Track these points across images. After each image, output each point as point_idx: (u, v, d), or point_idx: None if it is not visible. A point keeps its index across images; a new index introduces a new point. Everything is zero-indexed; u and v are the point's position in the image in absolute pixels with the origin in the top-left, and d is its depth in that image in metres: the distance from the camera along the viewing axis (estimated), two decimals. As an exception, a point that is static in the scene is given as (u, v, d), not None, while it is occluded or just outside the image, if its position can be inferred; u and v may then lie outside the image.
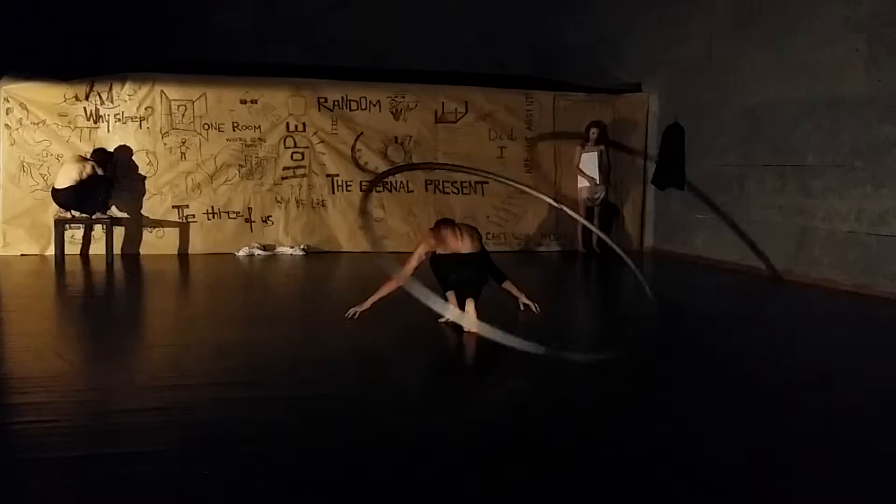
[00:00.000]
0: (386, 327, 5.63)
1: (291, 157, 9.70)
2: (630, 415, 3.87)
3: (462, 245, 5.47)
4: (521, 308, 5.87)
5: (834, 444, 3.46)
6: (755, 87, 8.62)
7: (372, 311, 5.73)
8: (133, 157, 9.28)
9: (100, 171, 8.77)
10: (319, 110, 9.74)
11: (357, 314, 5.60)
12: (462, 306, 5.38)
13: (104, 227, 8.87)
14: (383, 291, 5.56)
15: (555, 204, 7.14)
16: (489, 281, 5.71)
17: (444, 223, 5.69)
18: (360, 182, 9.82)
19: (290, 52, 11.04)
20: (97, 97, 9.19)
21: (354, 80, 9.91)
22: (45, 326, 5.78)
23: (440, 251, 5.48)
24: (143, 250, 9.31)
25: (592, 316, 7.06)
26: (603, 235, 6.85)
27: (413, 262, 5.49)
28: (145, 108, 9.30)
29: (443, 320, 5.52)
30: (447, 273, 5.46)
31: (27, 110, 9.01)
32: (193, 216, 9.45)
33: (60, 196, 8.61)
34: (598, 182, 9.96)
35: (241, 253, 9.39)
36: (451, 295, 5.51)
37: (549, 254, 10.16)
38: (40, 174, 9.03)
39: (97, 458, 3.08)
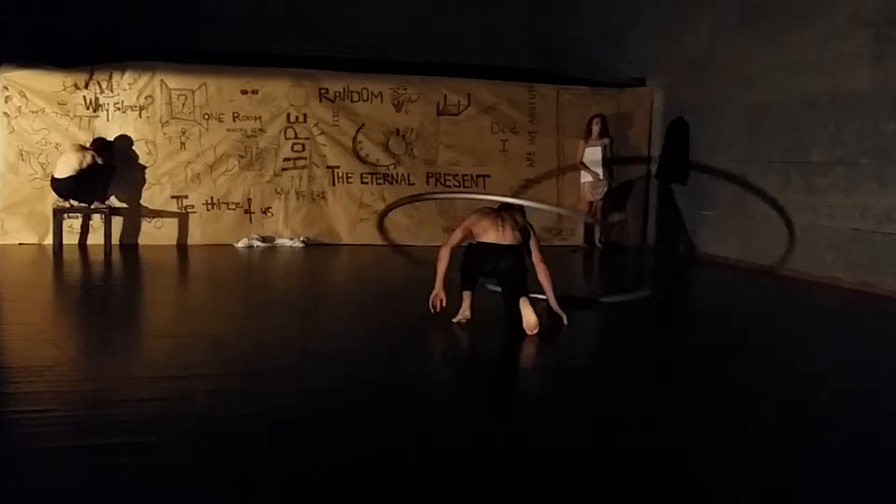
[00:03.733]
0: (386, 320, 5.60)
1: (292, 148, 9.65)
2: (631, 412, 3.85)
3: (503, 236, 5.25)
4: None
5: (838, 442, 3.43)
6: (760, 83, 8.58)
7: (371, 305, 5.70)
8: (132, 147, 9.23)
9: (99, 161, 8.72)
10: (321, 101, 9.69)
11: (441, 302, 5.30)
12: (514, 308, 5.14)
13: (103, 216, 8.82)
14: (442, 268, 5.33)
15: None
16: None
17: (488, 211, 5.45)
18: (361, 174, 9.79)
19: (292, 42, 10.98)
20: (97, 86, 9.14)
21: (356, 71, 9.86)
22: (43, 316, 5.75)
23: (480, 240, 5.25)
24: (141, 240, 9.26)
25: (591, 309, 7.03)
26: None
27: (458, 234, 5.35)
28: (145, 98, 9.25)
29: (455, 320, 5.33)
30: (482, 263, 5.24)
31: (26, 98, 8.96)
32: (193, 207, 9.41)
33: (60, 185, 8.57)
34: (600, 177, 9.91)
35: (241, 244, 9.34)
36: (466, 295, 5.35)
37: (551, 248, 10.10)
38: (39, 163, 8.99)
39: (94, 448, 3.05)
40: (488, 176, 10.03)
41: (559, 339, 5.24)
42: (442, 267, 5.35)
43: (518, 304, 5.12)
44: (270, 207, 9.62)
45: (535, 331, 5.01)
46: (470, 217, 5.42)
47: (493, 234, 5.25)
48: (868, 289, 7.15)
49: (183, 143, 9.36)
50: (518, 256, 5.29)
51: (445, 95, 10.01)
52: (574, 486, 2.87)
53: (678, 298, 7.46)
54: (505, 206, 5.64)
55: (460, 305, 5.38)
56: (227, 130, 9.45)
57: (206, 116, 9.40)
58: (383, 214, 6.28)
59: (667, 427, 3.64)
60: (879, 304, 6.78)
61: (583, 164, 9.96)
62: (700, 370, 4.71)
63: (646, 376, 4.57)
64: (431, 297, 5.34)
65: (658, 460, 3.18)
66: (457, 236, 5.38)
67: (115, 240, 8.97)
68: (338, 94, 9.74)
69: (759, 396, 4.11)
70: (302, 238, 9.55)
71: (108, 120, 9.18)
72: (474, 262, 5.31)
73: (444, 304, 5.32)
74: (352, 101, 9.78)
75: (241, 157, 9.50)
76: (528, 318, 5.03)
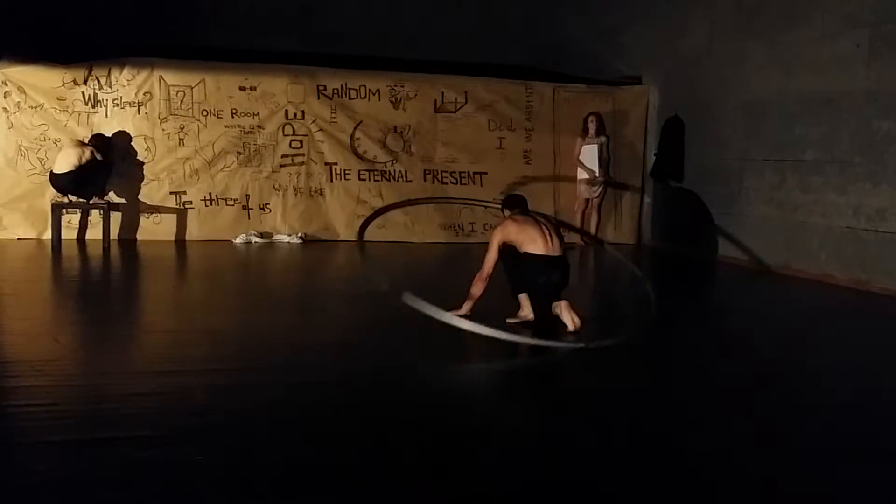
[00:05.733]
0: (383, 314, 5.62)
1: (290, 144, 9.67)
2: (628, 410, 3.88)
3: (553, 247, 5.10)
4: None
5: (832, 441, 3.46)
6: (755, 82, 8.61)
7: (368, 298, 5.71)
8: (131, 143, 9.24)
9: (98, 157, 8.73)
10: (319, 98, 9.70)
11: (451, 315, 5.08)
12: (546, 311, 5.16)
13: (101, 212, 8.83)
14: (475, 294, 5.19)
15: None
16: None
17: (526, 217, 5.23)
18: (359, 171, 9.82)
19: (291, 39, 11.00)
20: (95, 82, 9.14)
21: (354, 68, 9.88)
22: (41, 311, 5.78)
23: (528, 250, 5.06)
24: (139, 236, 9.27)
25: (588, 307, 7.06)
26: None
27: (493, 255, 5.15)
28: (144, 94, 9.26)
29: (512, 321, 5.24)
30: (535, 276, 5.10)
31: (25, 94, 8.97)
32: (191, 202, 9.42)
33: (59, 181, 8.58)
34: (597, 175, 9.94)
35: (239, 240, 9.36)
36: (524, 298, 5.27)
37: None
38: (38, 158, 8.99)
39: (92, 443, 3.08)
40: (485, 173, 10.05)
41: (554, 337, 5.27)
42: (476, 294, 5.19)
43: (560, 308, 5.16)
44: (268, 203, 9.63)
45: (576, 326, 5.10)
46: (505, 228, 5.20)
47: (542, 245, 5.08)
48: (862, 286, 7.19)
49: (181, 140, 9.37)
50: (567, 267, 5.21)
51: (443, 93, 10.03)
52: (574, 486, 2.91)
53: (669, 298, 7.50)
54: (533, 210, 5.46)
55: (518, 306, 5.32)
56: (226, 127, 9.46)
57: (205, 113, 9.41)
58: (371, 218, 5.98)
59: (661, 424, 3.68)
60: (873, 302, 6.82)
61: (579, 161, 9.99)
62: (692, 366, 4.74)
63: (638, 375, 4.60)
64: (454, 311, 5.06)
65: (657, 461, 3.22)
66: (492, 258, 5.15)
67: (114, 235, 8.98)
68: (336, 90, 9.75)
69: (755, 396, 4.15)
70: (299, 234, 9.58)
71: (106, 116, 9.19)
72: (524, 272, 5.14)
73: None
74: (350, 98, 9.80)
75: (239, 153, 9.52)
76: (575, 320, 5.10)
